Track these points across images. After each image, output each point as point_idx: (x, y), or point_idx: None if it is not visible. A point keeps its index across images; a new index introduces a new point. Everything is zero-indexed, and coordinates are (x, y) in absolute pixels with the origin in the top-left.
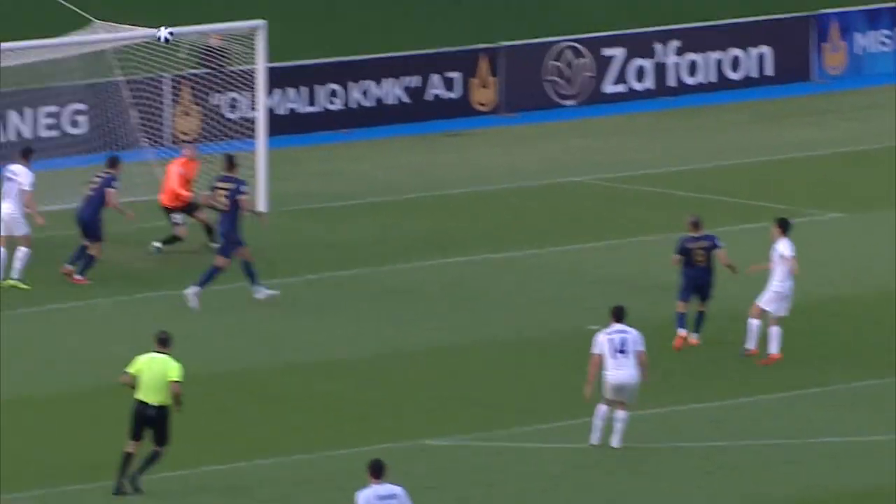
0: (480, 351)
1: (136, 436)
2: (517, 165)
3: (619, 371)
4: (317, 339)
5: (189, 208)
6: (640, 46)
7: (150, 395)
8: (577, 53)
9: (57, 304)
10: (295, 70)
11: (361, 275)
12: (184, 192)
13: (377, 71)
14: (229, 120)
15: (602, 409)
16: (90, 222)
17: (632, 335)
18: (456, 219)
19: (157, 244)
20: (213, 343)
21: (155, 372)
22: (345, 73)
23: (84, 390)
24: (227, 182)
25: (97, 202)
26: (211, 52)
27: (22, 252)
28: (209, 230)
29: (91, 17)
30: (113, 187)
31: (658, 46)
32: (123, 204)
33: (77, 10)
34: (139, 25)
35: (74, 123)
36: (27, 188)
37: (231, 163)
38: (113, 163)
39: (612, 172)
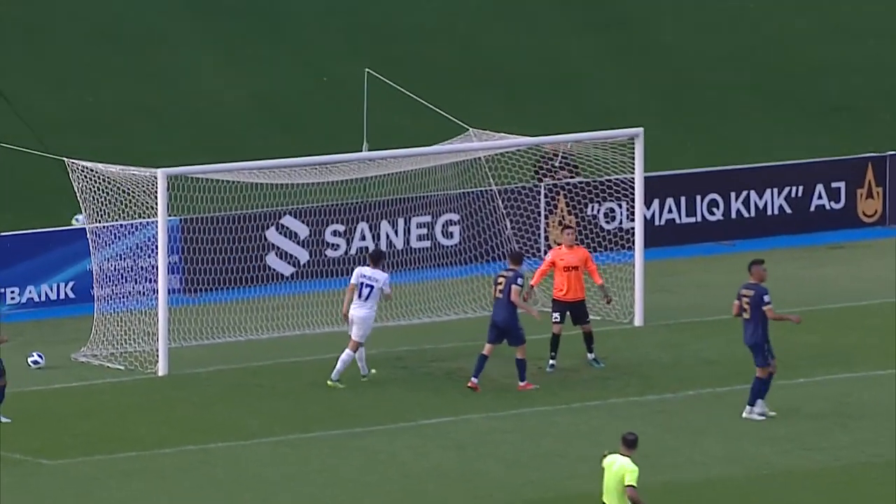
0: (864, 471)
1: None
2: None
3: None
4: (695, 457)
5: (578, 312)
6: None
7: (606, 496)
8: None
9: (427, 420)
10: (673, 179)
11: (743, 391)
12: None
13: (759, 180)
14: (605, 230)
15: None
16: (508, 326)
17: None
18: (841, 333)
19: (552, 362)
20: (589, 460)
21: (613, 473)
22: (725, 183)
23: None
24: (749, 289)
25: (509, 303)
26: (587, 160)
27: (347, 355)
28: (589, 340)
29: (466, 126)
30: (518, 284)
31: None
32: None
33: (452, 119)
34: (514, 133)
35: (447, 234)
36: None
37: (751, 270)
38: (516, 258)
39: None
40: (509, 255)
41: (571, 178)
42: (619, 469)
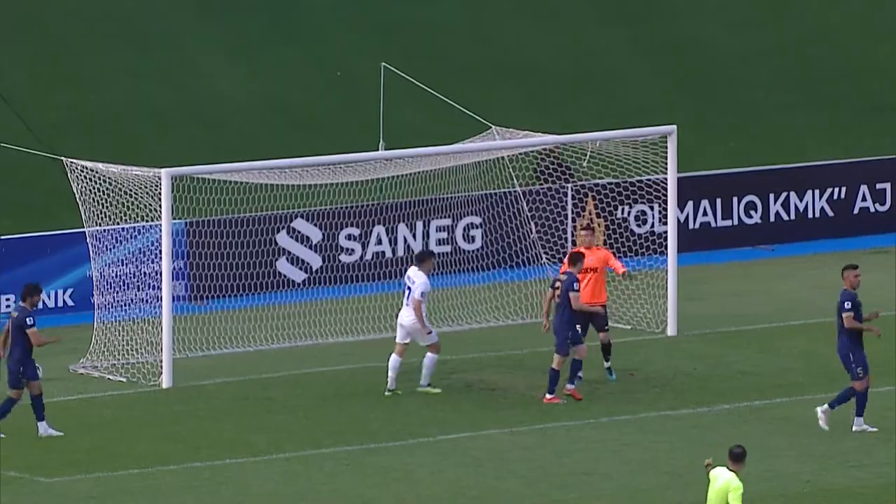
0: None
1: None
2: None
3: None
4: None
5: (598, 319)
6: None
7: None
8: None
9: (444, 435)
10: (708, 180)
11: (781, 405)
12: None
13: (799, 181)
14: (636, 234)
15: None
16: (555, 330)
17: None
18: (884, 344)
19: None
20: (616, 478)
21: (715, 488)
22: (764, 184)
23: None
24: (839, 296)
25: (565, 309)
26: (616, 159)
27: (428, 359)
28: (606, 351)
29: (488, 123)
30: (575, 290)
31: None
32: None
33: (473, 116)
34: (539, 131)
35: (469, 238)
36: (417, 296)
37: (843, 275)
38: (574, 259)
39: None
40: (568, 257)
41: (565, 181)
42: (724, 485)
